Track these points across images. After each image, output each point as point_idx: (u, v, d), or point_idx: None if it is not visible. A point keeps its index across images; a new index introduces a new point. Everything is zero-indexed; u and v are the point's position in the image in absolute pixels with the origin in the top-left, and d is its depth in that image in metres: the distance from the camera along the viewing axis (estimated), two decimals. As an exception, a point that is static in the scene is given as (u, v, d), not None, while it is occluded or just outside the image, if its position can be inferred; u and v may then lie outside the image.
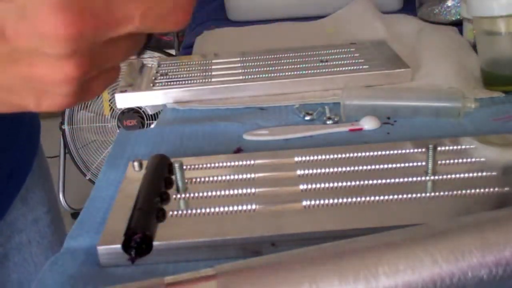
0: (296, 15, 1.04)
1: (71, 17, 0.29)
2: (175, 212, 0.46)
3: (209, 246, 0.43)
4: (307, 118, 0.65)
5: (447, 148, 0.53)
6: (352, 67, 0.73)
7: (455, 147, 0.53)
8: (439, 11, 0.93)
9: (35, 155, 0.71)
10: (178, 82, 0.73)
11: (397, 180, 0.48)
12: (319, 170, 0.51)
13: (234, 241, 0.43)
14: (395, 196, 0.46)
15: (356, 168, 0.51)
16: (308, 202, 0.46)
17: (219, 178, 0.51)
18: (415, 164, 0.51)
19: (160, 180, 0.49)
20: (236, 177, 0.51)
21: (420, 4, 0.97)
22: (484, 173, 0.49)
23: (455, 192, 0.46)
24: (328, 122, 0.63)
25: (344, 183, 0.48)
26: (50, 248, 0.72)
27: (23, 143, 0.68)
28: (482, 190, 0.46)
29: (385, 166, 0.51)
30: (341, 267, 0.33)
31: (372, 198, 0.46)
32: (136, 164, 0.53)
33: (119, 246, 0.42)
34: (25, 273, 0.69)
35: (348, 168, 0.51)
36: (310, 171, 0.51)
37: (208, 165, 0.53)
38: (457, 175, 0.48)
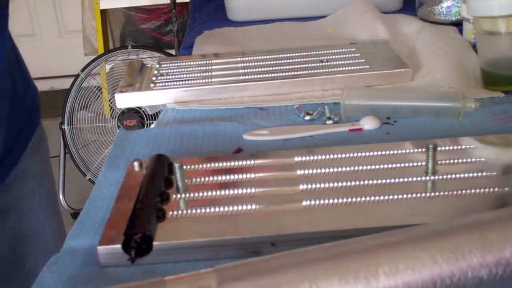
0: (296, 15, 1.04)
1: None
2: (175, 212, 0.46)
3: (209, 246, 0.43)
4: (307, 118, 0.65)
5: (447, 148, 0.53)
6: (352, 67, 0.73)
7: (455, 147, 0.53)
8: (439, 11, 0.93)
9: (39, 110, 0.79)
10: (178, 82, 0.73)
11: (397, 180, 0.48)
12: (319, 170, 0.51)
13: (234, 241, 0.43)
14: (395, 196, 0.46)
15: (356, 168, 0.51)
16: (308, 202, 0.46)
17: (219, 178, 0.51)
18: (415, 164, 0.51)
19: (160, 180, 0.49)
20: (236, 177, 0.51)
21: (420, 4, 0.97)
22: (484, 173, 0.49)
23: (455, 192, 0.46)
24: (328, 122, 0.63)
25: (344, 183, 0.48)
26: (50, 205, 0.80)
27: (32, 96, 0.77)
28: (482, 190, 0.46)
29: (385, 166, 0.51)
30: (341, 267, 0.33)
31: (372, 198, 0.46)
32: (136, 164, 0.53)
33: (119, 246, 0.42)
34: (31, 222, 0.76)
35: (348, 168, 0.51)
36: (310, 171, 0.51)
37: (208, 165, 0.53)
38: (457, 175, 0.48)
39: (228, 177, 0.51)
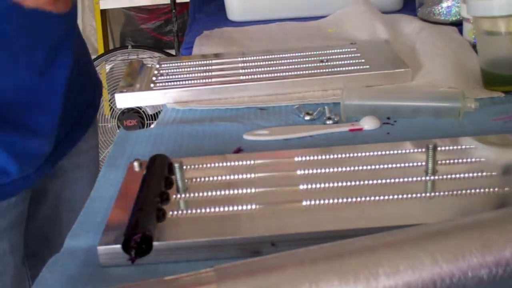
0: (296, 15, 1.04)
1: None
2: (175, 212, 0.46)
3: (209, 246, 0.43)
4: (307, 118, 0.65)
5: (447, 148, 0.53)
6: (352, 67, 0.73)
7: (455, 147, 0.53)
8: (439, 11, 0.93)
9: (101, 98, 0.86)
10: (178, 82, 0.73)
11: (397, 180, 0.48)
12: (319, 170, 0.51)
13: (234, 241, 0.43)
14: (395, 196, 0.46)
15: (356, 168, 0.51)
16: (308, 202, 0.46)
17: (219, 178, 0.51)
18: (415, 164, 0.51)
19: (160, 180, 0.49)
20: (236, 177, 0.51)
21: (420, 4, 0.97)
22: (484, 173, 0.49)
23: (455, 192, 0.46)
24: (328, 122, 0.63)
25: (344, 183, 0.48)
26: (92, 178, 0.83)
27: (95, 84, 0.84)
28: (482, 190, 0.46)
29: (385, 166, 0.51)
30: (341, 267, 0.33)
31: (372, 198, 0.46)
32: (136, 164, 0.53)
33: (119, 246, 0.42)
34: (74, 190, 0.82)
35: (348, 168, 0.51)
36: (310, 171, 0.51)
37: (208, 165, 0.53)
38: (457, 175, 0.48)
39: (228, 177, 0.51)
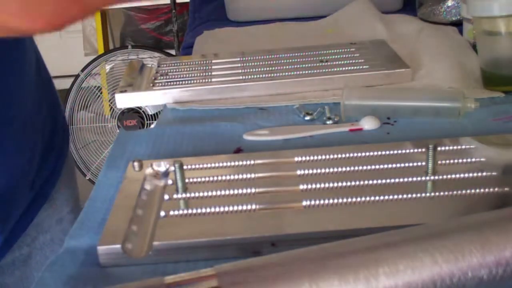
0: (296, 15, 1.04)
1: None
2: (175, 212, 0.46)
3: (209, 246, 0.43)
4: (307, 118, 0.65)
5: (447, 148, 0.53)
6: (352, 67, 0.73)
7: (455, 147, 0.53)
8: (439, 11, 0.93)
9: (65, 161, 0.71)
10: (178, 82, 0.73)
11: (397, 180, 0.48)
12: (319, 170, 0.51)
13: (234, 241, 0.43)
14: (395, 196, 0.46)
15: (356, 168, 0.51)
16: (308, 202, 0.46)
17: (219, 178, 0.51)
18: (415, 164, 0.51)
19: None
20: (236, 177, 0.51)
21: (420, 4, 0.97)
22: (484, 173, 0.49)
23: (455, 192, 0.46)
24: (328, 122, 0.63)
25: (344, 183, 0.48)
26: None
27: (56, 152, 0.69)
28: (482, 190, 0.46)
29: (385, 166, 0.51)
30: (341, 267, 0.33)
31: (372, 198, 0.46)
32: (136, 164, 0.52)
33: (119, 246, 0.42)
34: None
35: (348, 168, 0.51)
36: (310, 171, 0.51)
37: (208, 165, 0.53)
38: (457, 175, 0.48)
39: (228, 177, 0.51)
